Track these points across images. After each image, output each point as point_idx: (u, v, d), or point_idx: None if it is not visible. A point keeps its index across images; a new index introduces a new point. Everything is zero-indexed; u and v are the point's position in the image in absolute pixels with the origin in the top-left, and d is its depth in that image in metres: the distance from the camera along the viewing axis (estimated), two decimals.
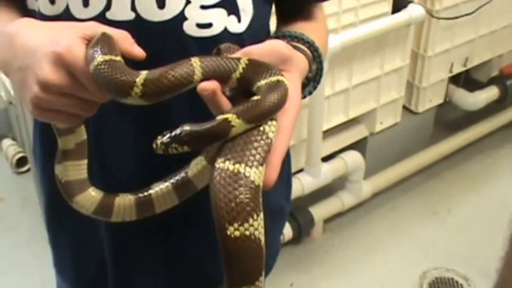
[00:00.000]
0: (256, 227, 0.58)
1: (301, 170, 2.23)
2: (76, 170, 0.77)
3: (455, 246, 2.41)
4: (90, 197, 0.79)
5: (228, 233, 0.57)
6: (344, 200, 2.42)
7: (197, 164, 0.77)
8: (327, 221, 2.46)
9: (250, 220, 0.58)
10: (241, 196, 0.57)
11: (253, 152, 0.60)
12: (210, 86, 0.63)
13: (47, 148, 0.93)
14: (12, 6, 0.86)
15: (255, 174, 0.59)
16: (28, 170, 2.66)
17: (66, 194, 0.78)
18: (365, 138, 2.49)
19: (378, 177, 2.54)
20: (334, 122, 2.30)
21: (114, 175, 0.88)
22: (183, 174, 0.78)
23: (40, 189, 1.04)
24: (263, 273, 0.61)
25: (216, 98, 0.64)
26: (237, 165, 0.59)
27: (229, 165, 0.59)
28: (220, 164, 0.59)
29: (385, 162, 2.57)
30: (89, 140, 0.78)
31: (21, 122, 2.22)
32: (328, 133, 2.32)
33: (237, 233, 0.57)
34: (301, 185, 2.19)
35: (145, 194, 0.80)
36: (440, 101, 2.72)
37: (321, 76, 0.87)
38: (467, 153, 2.85)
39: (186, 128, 0.63)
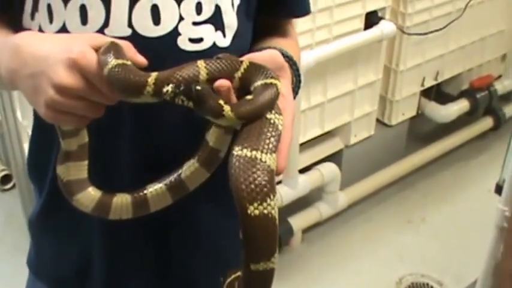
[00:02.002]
0: (273, 206, 0.63)
1: (279, 182, 2.25)
2: (77, 170, 0.81)
3: (429, 253, 2.44)
4: (90, 196, 0.82)
5: (249, 212, 0.62)
6: (321, 210, 2.44)
7: (190, 166, 0.82)
8: (306, 230, 2.48)
9: (268, 200, 0.62)
10: (259, 178, 0.62)
11: (267, 141, 0.66)
12: (226, 83, 0.69)
13: (44, 150, 0.95)
14: (1, 24, 0.87)
15: (269, 159, 0.64)
16: (13, 187, 2.66)
17: (67, 192, 0.82)
18: (340, 151, 2.51)
19: (353, 188, 2.55)
20: (310, 135, 2.32)
21: (113, 175, 0.91)
22: (176, 175, 0.82)
23: (34, 196, 1.03)
24: (277, 250, 0.65)
25: (230, 96, 0.70)
26: (254, 152, 0.64)
27: (246, 152, 0.64)
28: (238, 151, 0.65)
29: (360, 173, 2.59)
30: (89, 142, 0.82)
31: (6, 140, 2.21)
32: (304, 146, 2.34)
33: (256, 212, 0.62)
34: (280, 195, 2.21)
35: (141, 193, 0.83)
36: (413, 113, 2.75)
37: (299, 88, 0.93)
38: (440, 164, 2.87)
39: (198, 87, 0.68)
